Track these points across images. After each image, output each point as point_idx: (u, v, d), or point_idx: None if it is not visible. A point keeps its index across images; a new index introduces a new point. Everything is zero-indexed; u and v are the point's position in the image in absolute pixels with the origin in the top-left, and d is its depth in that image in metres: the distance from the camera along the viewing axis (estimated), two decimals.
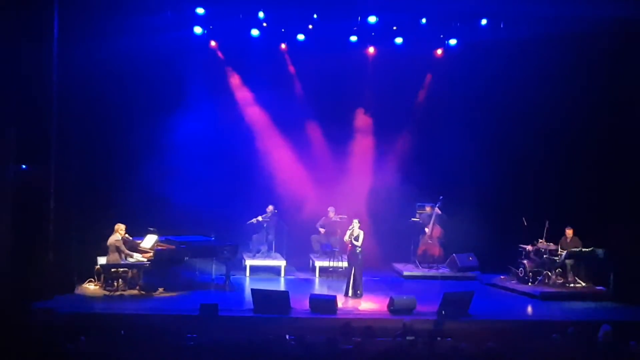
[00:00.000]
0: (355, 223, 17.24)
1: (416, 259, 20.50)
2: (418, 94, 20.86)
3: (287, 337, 12.46)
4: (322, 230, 20.35)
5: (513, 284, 18.82)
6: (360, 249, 17.06)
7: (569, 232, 18.56)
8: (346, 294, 17.19)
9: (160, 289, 17.09)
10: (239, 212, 19.95)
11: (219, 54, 20.30)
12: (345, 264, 18.49)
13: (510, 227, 19.52)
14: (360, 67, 20.59)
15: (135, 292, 16.85)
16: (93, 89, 17.47)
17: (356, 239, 17.09)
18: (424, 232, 20.39)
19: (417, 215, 20.74)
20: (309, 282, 19.21)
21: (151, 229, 17.70)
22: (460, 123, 20.20)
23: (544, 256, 18.50)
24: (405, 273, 19.96)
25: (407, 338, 12.73)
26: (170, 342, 11.64)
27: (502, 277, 19.39)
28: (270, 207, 20.01)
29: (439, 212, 20.29)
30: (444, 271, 20.09)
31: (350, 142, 21.18)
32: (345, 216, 19.79)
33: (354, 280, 17.16)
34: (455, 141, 20.20)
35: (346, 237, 17.35)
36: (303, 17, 19.16)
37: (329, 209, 20.36)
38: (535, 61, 19.33)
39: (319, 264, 19.71)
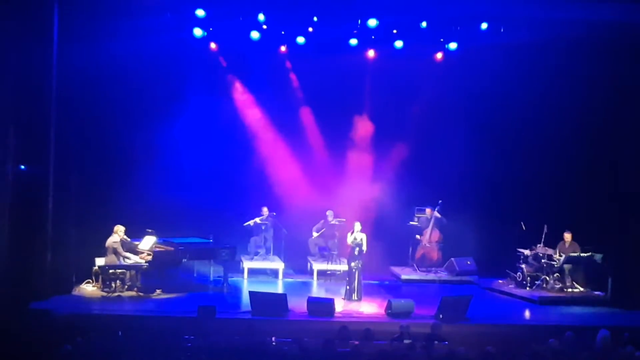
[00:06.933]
0: (357, 226, 17.24)
1: (414, 262, 20.50)
2: (418, 97, 20.80)
3: (273, 340, 12.47)
4: (315, 234, 20.30)
5: (511, 288, 18.81)
6: (358, 252, 17.04)
7: (568, 236, 18.54)
8: (345, 297, 17.18)
9: (158, 291, 17.07)
10: (238, 214, 19.94)
11: (218, 56, 20.27)
12: (343, 267, 18.52)
13: (508, 232, 19.48)
14: (360, 70, 20.57)
15: (133, 293, 16.84)
16: (92, 89, 17.47)
17: (359, 243, 17.07)
18: (422, 236, 20.41)
19: (416, 219, 20.74)
20: (307, 285, 19.20)
21: (149, 230, 17.68)
22: (459, 127, 20.19)
23: (542, 261, 18.47)
24: (404, 277, 19.94)
25: (405, 341, 12.76)
26: (168, 344, 11.65)
27: (500, 281, 19.37)
28: (265, 209, 20.00)
29: (438, 216, 20.31)
30: (442, 275, 20.08)
31: (349, 144, 21.13)
32: (344, 219, 19.80)
33: (353, 283, 17.13)
34: (454, 145, 20.21)
35: (349, 240, 17.32)
36: (303, 20, 19.13)
37: (327, 213, 20.33)
38: (535, 65, 19.32)
39: (317, 266, 19.69)
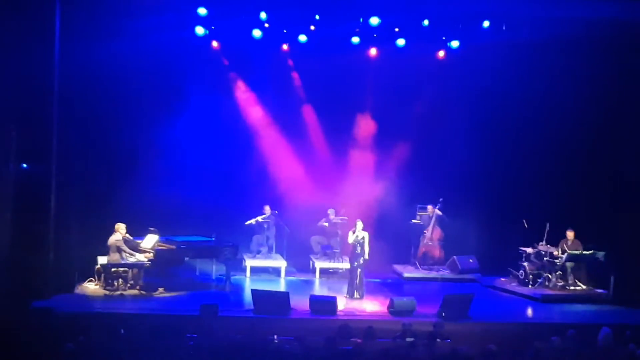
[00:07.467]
0: (359, 224, 17.21)
1: (416, 260, 20.49)
2: (420, 95, 20.76)
3: (276, 338, 12.48)
4: (326, 224, 20.25)
5: (513, 286, 18.81)
6: (360, 250, 17.03)
7: (570, 234, 18.53)
8: (347, 295, 17.18)
9: (161, 289, 17.08)
10: (240, 212, 19.93)
11: (220, 54, 20.26)
12: (345, 265, 18.51)
13: (510, 230, 19.51)
14: (362, 68, 20.53)
15: (135, 292, 16.85)
16: (94, 88, 17.45)
17: (360, 242, 17.04)
18: (424, 234, 20.42)
19: (418, 217, 20.74)
20: (309, 283, 19.19)
21: (152, 228, 17.68)
22: (461, 125, 20.17)
23: (545, 259, 18.47)
24: (406, 275, 19.94)
25: (407, 339, 12.76)
26: (170, 342, 11.64)
27: (502, 279, 19.38)
28: (267, 207, 20.00)
29: (440, 213, 20.30)
30: (444, 273, 20.08)
31: (352, 143, 21.11)
32: (346, 218, 19.78)
33: (355, 281, 17.13)
34: (456, 143, 20.20)
35: (350, 239, 17.30)
36: (305, 18, 19.12)
37: (328, 211, 20.32)
38: (536, 64, 19.31)
39: (319, 265, 19.70)
